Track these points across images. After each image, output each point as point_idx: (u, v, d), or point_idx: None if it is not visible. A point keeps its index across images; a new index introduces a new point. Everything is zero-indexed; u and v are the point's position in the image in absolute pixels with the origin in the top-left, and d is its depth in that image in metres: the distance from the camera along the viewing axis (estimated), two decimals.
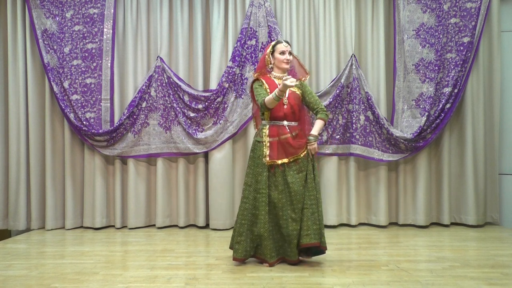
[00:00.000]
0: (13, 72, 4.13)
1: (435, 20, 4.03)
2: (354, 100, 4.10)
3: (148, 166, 4.27)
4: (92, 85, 4.11)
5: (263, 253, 2.78)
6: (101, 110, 4.10)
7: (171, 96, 4.09)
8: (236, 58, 4.02)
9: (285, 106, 2.80)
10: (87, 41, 4.11)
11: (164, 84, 4.12)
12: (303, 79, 2.94)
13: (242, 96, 4.08)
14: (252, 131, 4.11)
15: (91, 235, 3.93)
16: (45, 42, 4.07)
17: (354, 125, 4.11)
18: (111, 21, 4.10)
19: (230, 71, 4.02)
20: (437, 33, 4.01)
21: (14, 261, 3.02)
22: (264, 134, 2.83)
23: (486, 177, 4.12)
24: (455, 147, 4.16)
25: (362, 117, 4.09)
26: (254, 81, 2.91)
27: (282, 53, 2.84)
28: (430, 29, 4.03)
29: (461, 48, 3.96)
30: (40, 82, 4.21)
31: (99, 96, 4.11)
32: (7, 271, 2.78)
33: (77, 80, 4.10)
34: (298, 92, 2.87)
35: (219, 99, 4.05)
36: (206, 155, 4.20)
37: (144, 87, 4.10)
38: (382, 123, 3.99)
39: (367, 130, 4.09)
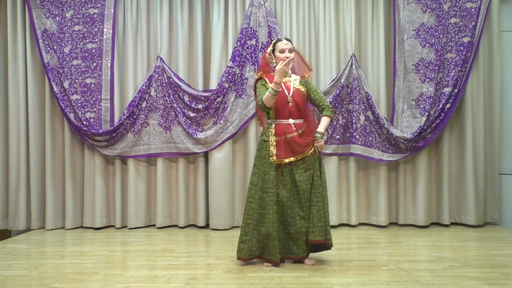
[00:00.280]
0: (13, 72, 4.13)
1: (435, 20, 4.03)
2: (354, 100, 4.10)
3: (148, 166, 4.27)
4: (92, 85, 4.11)
5: (271, 253, 2.76)
6: (101, 110, 4.10)
7: (171, 96, 4.09)
8: (236, 58, 4.02)
9: (290, 104, 2.80)
10: (87, 41, 4.11)
11: (164, 84, 4.12)
12: (306, 75, 2.94)
13: (242, 96, 4.08)
14: (252, 131, 4.11)
15: (91, 235, 3.93)
16: (45, 42, 4.07)
17: (354, 125, 4.11)
18: (111, 21, 4.11)
19: (230, 71, 4.02)
20: (437, 33, 4.01)
21: (14, 261, 3.02)
22: (270, 133, 2.82)
23: (486, 177, 4.12)
24: (455, 147, 4.16)
25: (362, 117, 4.09)
26: (257, 80, 2.90)
27: (282, 51, 2.82)
28: (430, 29, 4.03)
29: (461, 48, 3.96)
30: (40, 82, 4.21)
31: (99, 96, 4.11)
32: (7, 271, 2.78)
33: (77, 80, 4.10)
34: (302, 89, 2.86)
35: (219, 99, 4.05)
36: (206, 155, 4.20)
37: (144, 87, 4.10)
38: (382, 123, 3.99)
39: (367, 130, 4.09)
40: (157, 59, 4.13)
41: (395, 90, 4.13)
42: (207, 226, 4.21)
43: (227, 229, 4.09)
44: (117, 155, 4.13)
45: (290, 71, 2.87)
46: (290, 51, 2.82)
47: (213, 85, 4.10)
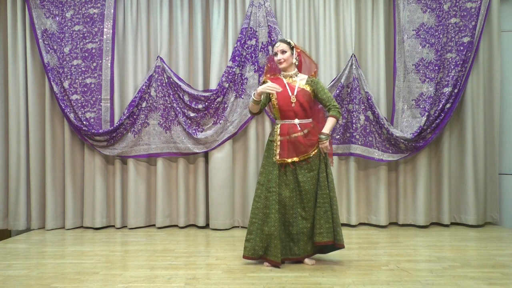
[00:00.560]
0: (13, 72, 4.13)
1: (435, 20, 4.03)
2: (354, 100, 4.10)
3: (148, 166, 4.27)
4: (92, 85, 4.11)
5: (272, 254, 2.75)
6: (101, 110, 4.10)
7: (171, 96, 4.09)
8: (236, 58, 4.02)
9: (293, 105, 2.81)
10: (87, 41, 4.11)
11: (164, 84, 4.12)
12: (312, 73, 2.94)
13: (242, 96, 4.08)
14: (252, 131, 4.12)
15: (91, 235, 3.93)
16: (45, 42, 4.07)
17: (354, 125, 4.11)
18: (111, 21, 4.11)
19: (230, 71, 4.02)
20: (437, 33, 4.01)
21: (14, 261, 3.01)
22: (275, 133, 2.85)
23: (486, 177, 4.12)
24: (455, 147, 4.16)
25: (362, 117, 4.09)
26: (262, 82, 2.98)
27: (275, 54, 2.88)
28: (430, 29, 4.03)
29: (461, 48, 3.97)
30: (40, 82, 4.21)
31: (99, 96, 4.11)
32: (7, 271, 2.78)
33: (77, 80, 4.10)
34: (308, 89, 2.85)
35: (219, 99, 4.05)
36: (206, 155, 4.20)
37: (144, 87, 4.10)
38: (382, 123, 3.99)
39: (367, 130, 4.09)
40: (157, 59, 4.13)
41: (395, 90, 4.13)
42: (207, 226, 4.21)
43: (227, 229, 4.09)
44: (117, 155, 4.13)
45: (296, 70, 2.90)
46: (283, 52, 2.84)
47: (213, 85, 4.10)
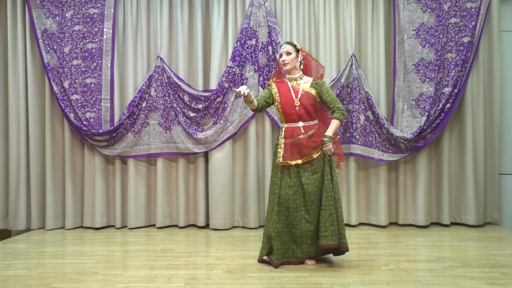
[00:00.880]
0: (13, 72, 4.13)
1: (435, 20, 4.03)
2: (354, 100, 4.10)
3: (148, 166, 4.27)
4: (92, 85, 4.11)
5: (273, 254, 2.79)
6: (101, 110, 4.10)
7: (171, 96, 4.09)
8: (236, 58, 4.02)
9: (297, 108, 2.82)
10: (87, 41, 4.11)
11: (164, 84, 4.12)
12: (318, 75, 2.95)
13: (242, 96, 4.07)
14: (252, 131, 4.12)
15: (91, 235, 3.93)
16: (45, 42, 4.07)
17: (354, 125, 4.11)
18: (111, 21, 4.11)
19: (230, 71, 4.02)
20: (437, 33, 4.01)
21: (14, 261, 3.02)
22: (280, 136, 2.88)
23: (486, 177, 4.12)
24: (455, 147, 4.16)
25: (362, 117, 4.09)
26: (267, 85, 3.02)
27: (280, 55, 2.92)
28: (430, 29, 4.03)
29: (461, 48, 3.97)
30: (40, 82, 4.21)
31: (99, 96, 4.11)
32: (7, 271, 2.78)
33: (77, 80, 4.10)
34: (312, 92, 2.86)
35: (219, 99, 4.05)
36: (206, 155, 4.20)
37: (144, 87, 4.10)
38: (382, 123, 3.99)
39: (367, 130, 4.09)
40: (157, 59, 4.13)
41: (395, 90, 4.13)
42: (207, 226, 4.21)
43: (227, 229, 4.09)
44: (117, 155, 4.13)
45: (301, 73, 2.92)
46: (287, 54, 2.88)
47: (213, 85, 4.10)
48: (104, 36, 4.10)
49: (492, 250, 3.20)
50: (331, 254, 2.96)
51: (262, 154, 4.14)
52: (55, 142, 4.20)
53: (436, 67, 3.98)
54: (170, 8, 4.21)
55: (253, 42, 4.08)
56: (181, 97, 4.07)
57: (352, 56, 4.08)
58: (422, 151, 4.06)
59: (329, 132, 2.81)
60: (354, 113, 4.10)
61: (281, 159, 2.81)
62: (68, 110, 4.06)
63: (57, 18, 4.10)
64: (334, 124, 2.83)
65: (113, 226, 4.23)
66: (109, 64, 4.10)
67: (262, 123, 4.15)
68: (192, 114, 4.09)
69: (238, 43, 4.04)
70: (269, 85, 2.98)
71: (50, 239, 3.79)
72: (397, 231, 3.97)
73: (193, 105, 4.06)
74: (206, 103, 4.06)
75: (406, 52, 4.05)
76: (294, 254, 2.83)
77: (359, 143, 4.10)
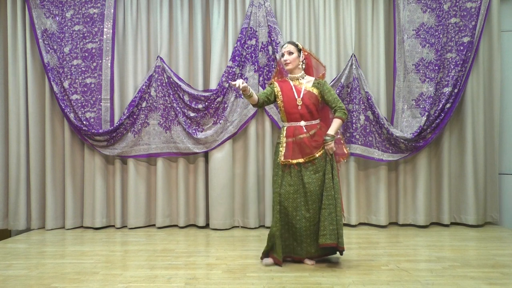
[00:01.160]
0: (13, 72, 4.13)
1: (435, 20, 4.03)
2: (354, 100, 4.10)
3: (148, 166, 4.27)
4: (92, 85, 4.11)
5: (275, 251, 2.81)
6: (101, 110, 4.10)
7: (171, 96, 4.09)
8: (236, 58, 4.02)
9: (299, 107, 2.83)
10: (87, 41, 4.11)
11: (164, 84, 4.12)
12: (320, 75, 2.96)
13: (242, 96, 4.08)
14: (252, 131, 4.12)
15: (91, 235, 3.93)
16: (45, 42, 4.07)
17: (354, 125, 4.11)
18: (111, 21, 4.10)
19: (230, 71, 4.02)
20: (437, 33, 4.01)
21: (14, 261, 3.02)
22: (282, 135, 2.88)
23: (486, 177, 4.12)
24: (455, 147, 4.16)
25: (362, 117, 4.09)
26: (269, 84, 3.02)
27: (282, 55, 2.92)
28: (430, 29, 4.03)
29: (461, 48, 3.96)
30: (40, 82, 4.21)
31: (99, 96, 4.11)
32: (7, 271, 2.78)
33: (77, 80, 4.10)
34: (314, 91, 2.86)
35: (219, 99, 4.05)
36: (206, 155, 4.20)
37: (144, 87, 4.10)
38: (382, 123, 3.99)
39: (367, 130, 4.09)
40: (157, 59, 4.13)
41: (395, 90, 4.12)
42: (207, 226, 4.21)
43: (227, 229, 4.09)
44: (117, 155, 4.13)
45: (303, 73, 2.92)
46: (289, 53, 2.88)
47: (213, 85, 4.10)
48: (104, 36, 4.10)
49: (492, 250, 3.20)
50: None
51: (262, 154, 4.14)
52: (55, 142, 4.20)
53: (436, 67, 3.98)
54: (170, 8, 4.21)
55: (253, 42, 4.08)
56: (181, 97, 4.07)
57: (352, 56, 4.08)
58: (422, 151, 4.06)
59: (331, 131, 2.82)
60: (354, 113, 4.10)
61: (282, 158, 2.81)
62: (68, 110, 4.06)
63: (57, 18, 4.10)
64: (336, 123, 2.84)
65: (113, 226, 4.23)
66: (109, 64, 4.10)
67: (262, 123, 4.15)
68: (192, 114, 4.09)
69: (238, 43, 4.04)
70: (271, 83, 2.98)
71: (50, 239, 3.79)
72: (397, 231, 3.97)
73: (193, 105, 4.06)
74: (206, 103, 4.06)
75: (406, 52, 4.05)
76: (294, 251, 2.85)
77: (359, 143, 4.10)
